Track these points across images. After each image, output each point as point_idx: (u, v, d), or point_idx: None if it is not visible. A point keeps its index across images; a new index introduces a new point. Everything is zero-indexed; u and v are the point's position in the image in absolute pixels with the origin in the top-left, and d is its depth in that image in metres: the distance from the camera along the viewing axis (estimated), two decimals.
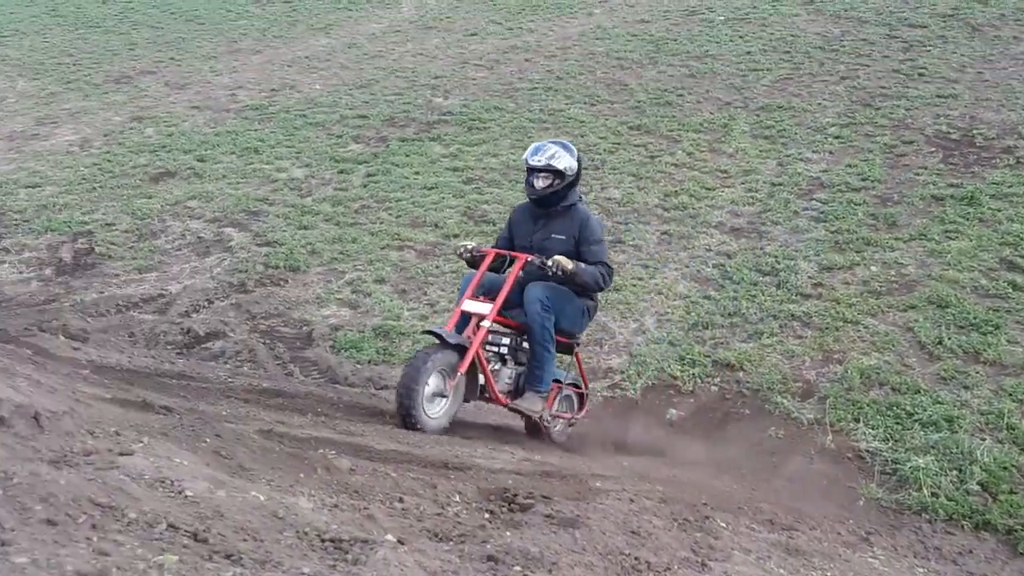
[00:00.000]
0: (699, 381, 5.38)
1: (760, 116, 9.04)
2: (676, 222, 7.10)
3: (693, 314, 5.97)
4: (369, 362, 5.77)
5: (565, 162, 4.66)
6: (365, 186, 8.30)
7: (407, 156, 8.77)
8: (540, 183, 4.66)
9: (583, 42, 11.78)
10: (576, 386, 5.04)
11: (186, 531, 1.48)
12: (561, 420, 5.00)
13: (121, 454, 1.77)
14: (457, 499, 2.36)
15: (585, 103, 9.79)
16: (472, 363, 4.32)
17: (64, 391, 2.23)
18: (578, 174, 4.78)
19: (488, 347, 4.63)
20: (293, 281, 6.82)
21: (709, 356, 5.54)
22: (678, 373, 5.41)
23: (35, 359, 2.68)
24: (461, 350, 4.30)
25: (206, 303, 6.42)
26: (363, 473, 2.39)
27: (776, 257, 6.49)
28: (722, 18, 12.23)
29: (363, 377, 5.67)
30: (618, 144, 8.65)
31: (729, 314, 5.93)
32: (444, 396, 4.22)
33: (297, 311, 6.44)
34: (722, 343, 5.66)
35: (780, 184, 7.61)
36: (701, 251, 6.68)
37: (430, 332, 4.48)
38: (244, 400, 3.55)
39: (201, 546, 1.44)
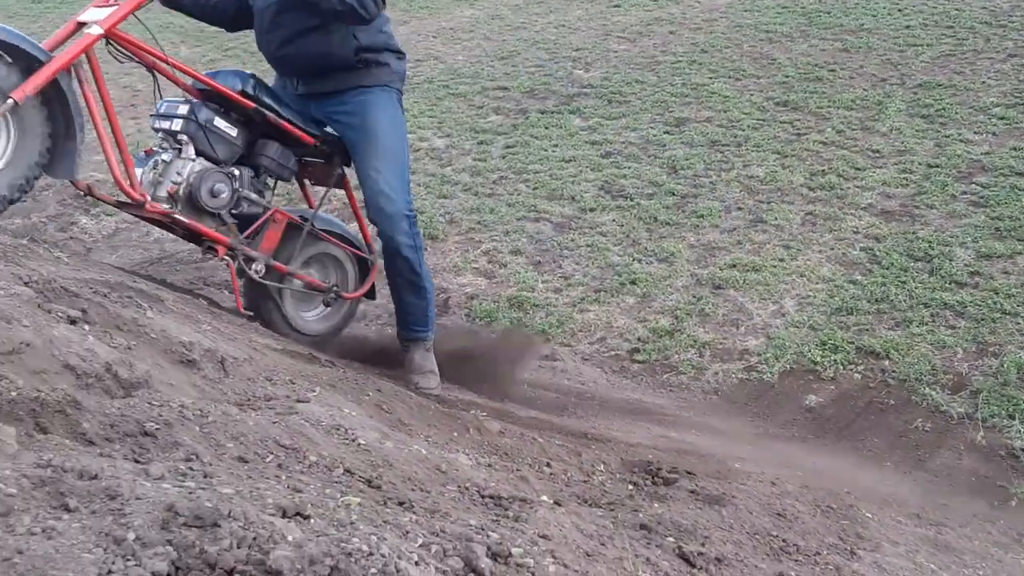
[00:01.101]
0: (841, 368, 5.21)
1: (918, 94, 8.60)
2: (822, 203, 6.87)
3: (837, 298, 5.78)
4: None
5: None
6: (504, 157, 8.39)
7: (546, 128, 8.79)
8: None
9: (730, 14, 11.47)
10: (343, 238, 3.62)
11: (361, 477, 1.58)
12: (311, 293, 3.53)
13: (298, 401, 1.90)
14: (602, 468, 2.40)
15: (730, 77, 9.56)
16: (62, 99, 2.72)
17: (242, 340, 2.39)
18: None
19: (158, 124, 3.21)
20: (432, 249, 6.99)
21: (853, 343, 5.36)
22: (819, 358, 5.26)
23: (211, 309, 2.87)
24: (29, 63, 2.67)
25: None
26: (511, 436, 2.47)
27: (930, 242, 6.19)
28: None
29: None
30: (763, 120, 8.42)
31: (876, 300, 5.71)
32: None
33: (435, 279, 6.62)
34: (867, 330, 5.47)
35: (937, 166, 7.24)
36: (848, 233, 6.45)
37: None
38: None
39: (375, 492, 1.53)
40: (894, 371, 5.05)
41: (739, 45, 10.44)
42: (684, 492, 2.28)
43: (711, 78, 9.55)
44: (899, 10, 10.91)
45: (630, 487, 2.30)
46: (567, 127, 8.76)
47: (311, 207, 3.67)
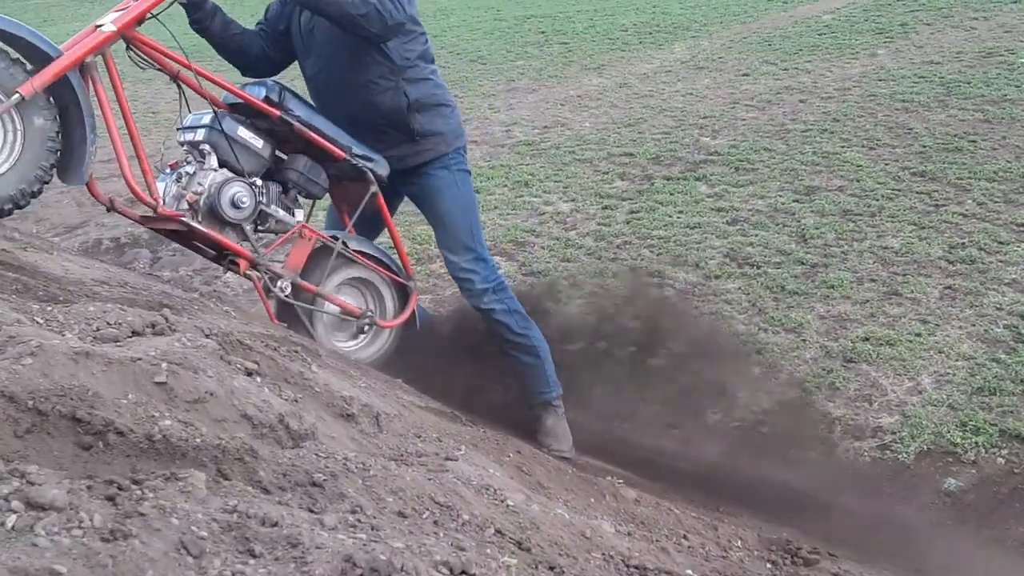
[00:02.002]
0: (983, 451, 4.95)
1: None
2: (962, 276, 6.61)
3: (978, 377, 5.52)
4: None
5: None
6: (628, 222, 8.44)
7: (671, 195, 8.81)
8: None
9: (864, 84, 11.29)
10: (380, 262, 3.42)
11: (511, 538, 1.62)
12: (344, 318, 3.31)
13: (447, 459, 1.96)
14: (739, 544, 2.37)
15: (863, 146, 9.38)
16: (73, 101, 2.59)
17: (390, 396, 2.49)
18: None
19: (183, 136, 3.07)
20: (554, 313, 7.06)
21: (996, 425, 5.09)
22: (958, 440, 5.02)
23: (359, 365, 3.00)
24: (38, 58, 2.56)
25: None
26: (647, 505, 2.47)
27: None
28: None
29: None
30: (898, 191, 8.20)
31: (1021, 380, 5.43)
32: None
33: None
34: (1012, 412, 5.19)
35: None
36: (990, 309, 6.17)
37: None
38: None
39: (526, 554, 1.58)
40: None
41: (873, 114, 10.24)
42: (826, 574, 2.22)
43: (843, 147, 9.39)
44: None
45: (769, 565, 2.26)
46: (693, 193, 8.75)
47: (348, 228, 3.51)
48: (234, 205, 2.97)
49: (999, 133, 9.19)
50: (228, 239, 2.98)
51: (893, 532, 3.89)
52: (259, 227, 3.10)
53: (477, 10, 19.53)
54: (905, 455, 4.96)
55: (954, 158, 8.70)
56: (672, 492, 3.05)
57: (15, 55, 2.57)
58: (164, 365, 1.62)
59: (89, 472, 1.37)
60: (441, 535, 1.51)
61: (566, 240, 8.32)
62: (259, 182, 3.05)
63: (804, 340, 5.91)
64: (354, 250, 3.32)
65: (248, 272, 3.05)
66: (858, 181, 8.41)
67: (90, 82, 2.70)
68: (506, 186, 9.69)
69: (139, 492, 1.28)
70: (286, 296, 3.13)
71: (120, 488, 1.28)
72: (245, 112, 3.05)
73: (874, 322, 6.06)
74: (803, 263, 6.96)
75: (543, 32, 16.36)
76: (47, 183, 2.62)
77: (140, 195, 2.82)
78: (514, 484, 2.05)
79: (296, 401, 1.87)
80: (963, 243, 7.04)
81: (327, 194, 3.44)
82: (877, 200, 7.98)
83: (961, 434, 5.05)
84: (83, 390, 1.47)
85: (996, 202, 7.72)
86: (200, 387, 1.63)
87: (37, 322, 1.74)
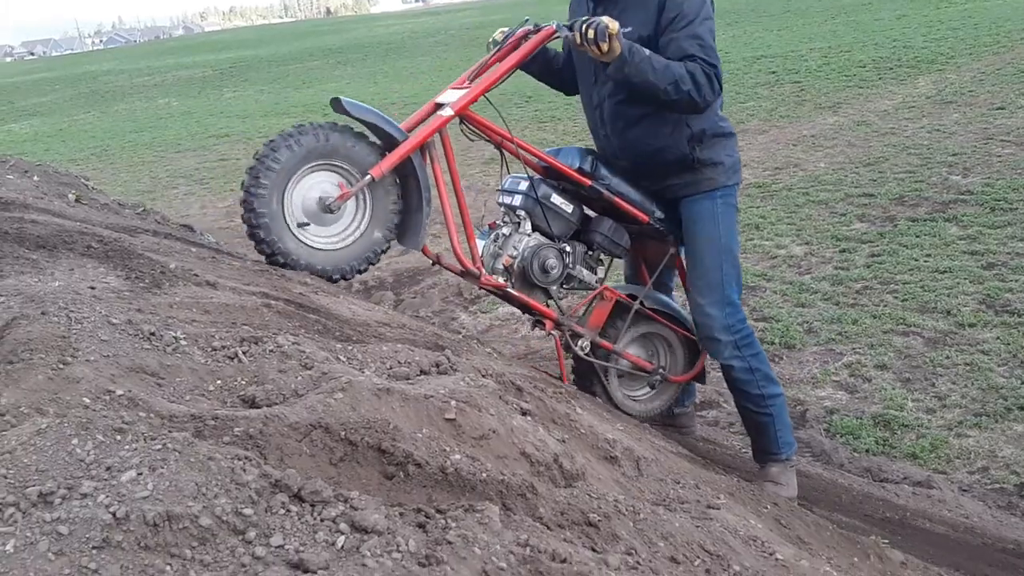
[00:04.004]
0: None
1: None
2: None
3: None
4: (867, 451, 5.53)
5: None
6: (868, 266, 8.03)
7: (917, 237, 8.31)
8: None
9: None
10: (673, 319, 3.47)
11: None
12: (636, 373, 3.40)
13: (709, 507, 1.97)
14: None
15: None
16: (412, 174, 2.79)
17: (645, 440, 2.53)
18: None
19: (501, 199, 3.24)
20: (788, 359, 6.82)
21: None
22: None
23: (611, 408, 3.07)
24: (388, 142, 2.80)
25: None
26: (915, 569, 2.34)
27: None
28: None
29: (860, 467, 5.45)
30: None
31: None
32: (333, 212, 2.76)
33: (791, 390, 6.42)
34: None
35: None
36: None
37: (334, 100, 2.86)
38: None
39: None
40: None
41: None
42: None
43: None
44: None
45: None
46: (942, 236, 8.20)
47: (644, 284, 3.60)
48: (544, 271, 3.17)
49: None
50: (537, 301, 3.19)
51: None
52: (564, 286, 3.27)
53: None
54: None
55: None
56: (935, 557, 2.86)
57: (371, 138, 2.88)
58: (453, 403, 1.75)
59: (394, 500, 1.51)
60: None
61: (800, 284, 8.02)
62: (567, 247, 3.23)
63: None
64: (650, 309, 3.43)
65: (552, 331, 3.24)
66: None
67: (427, 158, 2.98)
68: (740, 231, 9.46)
69: (444, 521, 1.39)
70: (586, 354, 3.29)
71: (427, 516, 1.40)
72: (557, 177, 3.24)
73: None
74: None
75: (774, 72, 16.02)
76: (385, 252, 2.96)
77: (466, 264, 3.06)
78: (778, 537, 2.02)
79: (563, 442, 1.95)
80: None
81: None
82: None
83: None
84: (385, 423, 1.62)
85: None
86: (484, 424, 1.75)
87: (341, 360, 1.94)
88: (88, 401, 1.49)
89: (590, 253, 3.33)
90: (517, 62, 3.09)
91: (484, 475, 1.63)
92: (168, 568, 1.16)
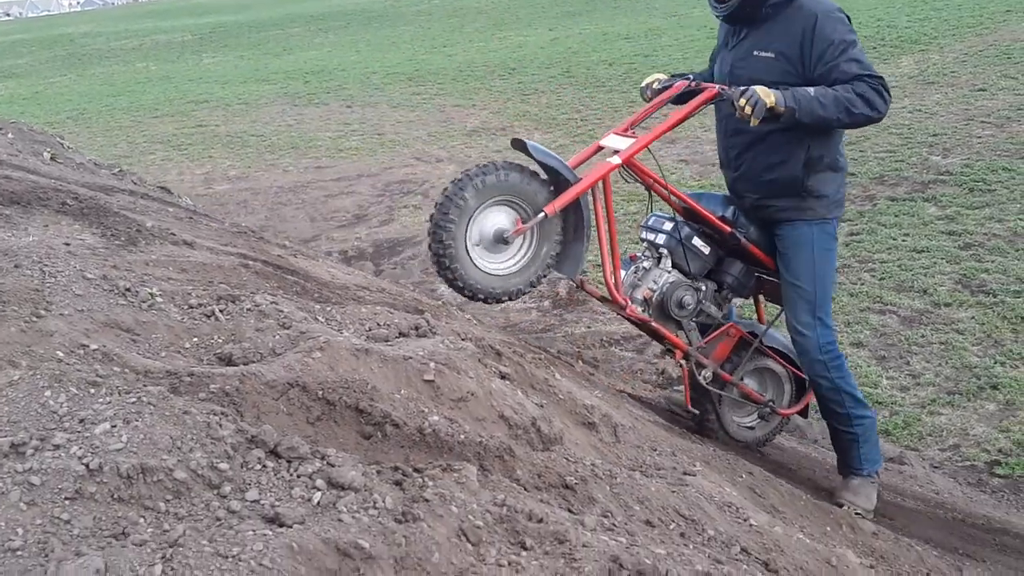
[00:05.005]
0: None
1: None
2: None
3: None
4: None
5: None
6: (847, 245, 8.07)
7: (896, 216, 8.34)
8: None
9: None
10: (786, 357, 3.68)
11: (757, 558, 1.62)
12: (748, 403, 3.66)
13: (685, 473, 1.98)
14: None
15: None
16: (576, 211, 3.02)
17: (624, 408, 2.54)
18: None
19: (645, 235, 3.48)
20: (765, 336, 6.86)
21: None
22: None
23: (588, 375, 3.08)
24: (558, 181, 3.03)
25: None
26: (886, 540, 2.37)
27: None
28: None
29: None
30: None
31: None
32: (508, 243, 2.98)
33: None
34: None
35: None
36: None
37: (516, 141, 3.09)
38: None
39: (772, 575, 1.57)
40: None
41: None
42: None
43: None
44: None
45: None
46: (920, 216, 8.25)
47: (762, 322, 3.87)
48: (680, 306, 3.40)
49: None
50: (670, 332, 3.42)
51: None
52: (694, 319, 3.50)
53: (688, 29, 19.39)
54: None
55: None
56: (905, 530, 2.89)
57: (545, 178, 3.10)
58: (432, 364, 1.75)
59: (371, 459, 1.51)
60: (691, 547, 1.53)
61: None
62: (701, 285, 3.47)
63: None
64: (767, 346, 3.66)
65: (680, 360, 3.47)
66: None
67: (591, 198, 3.18)
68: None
69: (421, 480, 1.39)
70: (707, 384, 3.51)
71: (404, 475, 1.40)
72: (698, 220, 3.46)
73: None
74: None
75: None
76: (546, 276, 3.17)
77: (615, 295, 3.24)
78: (751, 505, 2.03)
79: (542, 406, 1.95)
80: None
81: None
82: None
83: None
84: (364, 383, 1.62)
85: None
86: (463, 387, 1.74)
87: (319, 320, 1.93)
88: (61, 354, 1.47)
89: (719, 292, 3.56)
90: (680, 120, 3.26)
91: (462, 436, 1.63)
92: (142, 520, 1.15)
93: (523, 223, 2.98)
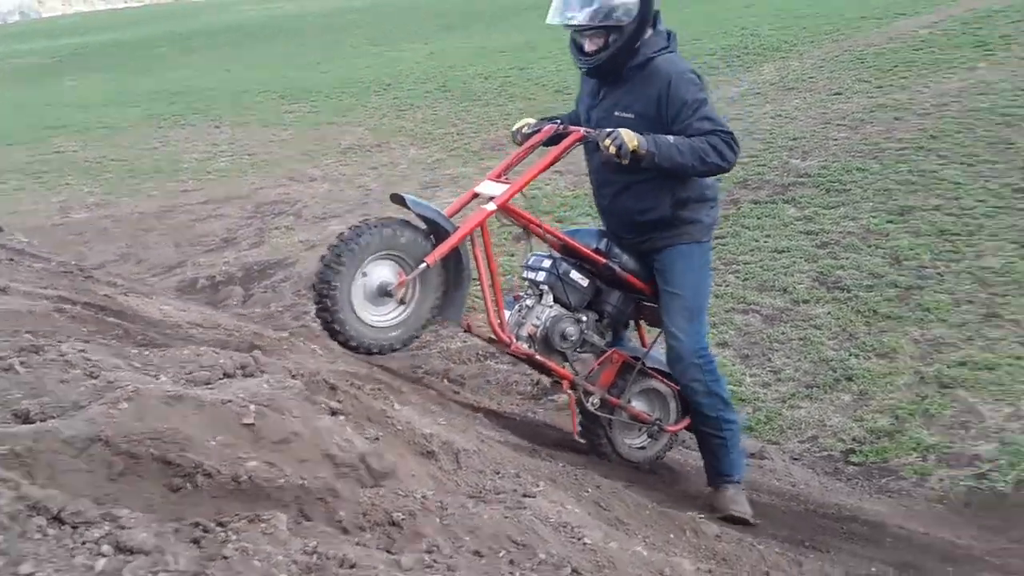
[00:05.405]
0: None
1: None
2: None
3: None
4: None
5: (616, 8, 3.19)
6: (712, 248, 8.32)
7: (758, 219, 8.65)
8: (589, 45, 3.31)
9: (963, 99, 10.89)
10: (669, 376, 3.80)
11: None
12: (637, 424, 3.81)
13: (525, 495, 1.99)
14: None
15: (962, 163, 9.05)
16: (456, 259, 3.18)
17: (471, 432, 2.53)
18: (646, 10, 3.24)
19: (526, 274, 3.63)
20: (635, 340, 7.00)
21: None
22: None
23: (440, 400, 3.06)
24: (437, 231, 3.17)
25: None
26: (729, 541, 2.43)
27: None
28: None
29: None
30: (999, 208, 7.89)
31: None
32: (392, 296, 3.11)
33: None
34: None
35: None
36: None
37: (395, 196, 3.26)
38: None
39: None
40: None
41: (972, 130, 9.88)
42: None
43: (941, 164, 9.08)
44: None
45: None
46: (781, 217, 8.57)
47: (644, 346, 4.02)
48: (563, 338, 3.55)
49: None
50: (556, 364, 3.56)
51: (990, 568, 3.72)
52: (578, 350, 3.65)
53: (562, 43, 19.64)
54: (1003, 484, 4.72)
55: None
56: (756, 526, 2.98)
57: (425, 230, 3.19)
58: (252, 407, 1.69)
59: (177, 514, 1.44)
60: (517, 574, 1.53)
61: None
62: (583, 316, 3.60)
63: (897, 365, 5.72)
64: (650, 368, 3.82)
65: (568, 390, 3.60)
66: (956, 199, 8.12)
67: (469, 245, 3.32)
68: (590, 215, 9.64)
69: (224, 534, 1.34)
70: (596, 410, 3.67)
71: (206, 531, 1.34)
72: (575, 255, 3.62)
73: (972, 345, 5.82)
74: (897, 286, 6.75)
75: None
76: (431, 323, 3.32)
77: (500, 335, 3.38)
78: (592, 520, 2.05)
79: (378, 439, 1.92)
80: None
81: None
82: (976, 219, 7.68)
83: None
84: (175, 433, 1.55)
85: None
86: (286, 428, 1.70)
87: (135, 366, 1.85)
88: None
89: (600, 321, 3.71)
90: (551, 163, 3.46)
91: (282, 481, 1.58)
92: None
93: (406, 275, 3.09)
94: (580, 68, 3.47)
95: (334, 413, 1.90)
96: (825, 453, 5.11)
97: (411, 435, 2.06)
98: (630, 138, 3.10)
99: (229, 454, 1.57)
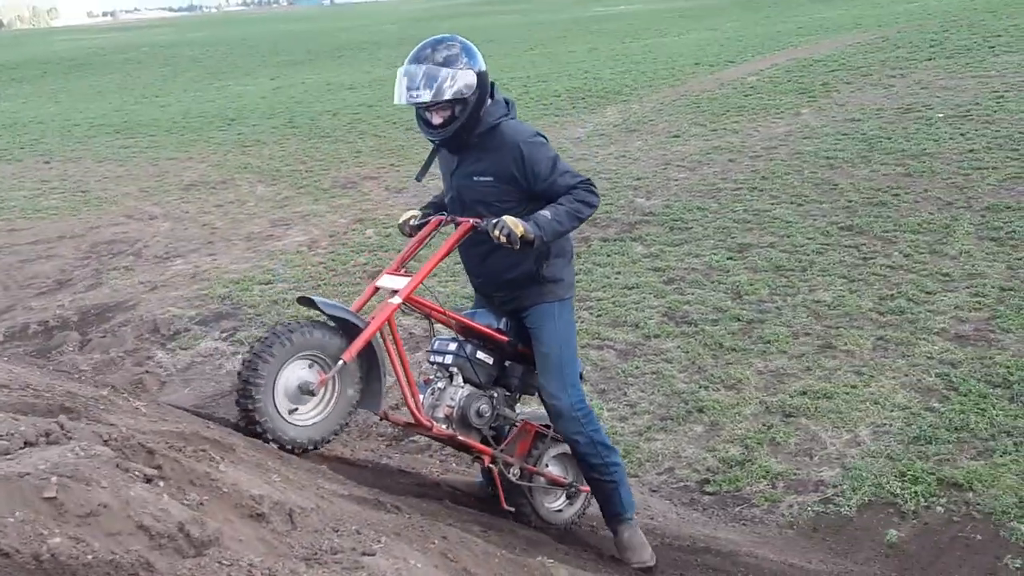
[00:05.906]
0: (922, 500, 4.97)
1: (986, 217, 8.50)
2: (893, 327, 6.73)
3: (914, 426, 5.57)
4: None
5: (457, 81, 3.36)
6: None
7: (608, 256, 8.87)
8: (436, 118, 3.45)
9: (789, 142, 11.63)
10: None
11: None
12: (555, 488, 4.00)
13: (363, 554, 1.89)
14: None
15: (792, 203, 9.61)
16: (370, 352, 3.33)
17: (310, 487, 2.40)
18: (484, 82, 3.43)
19: (433, 358, 3.77)
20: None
21: (933, 473, 5.12)
22: (898, 490, 5.03)
23: (280, 454, 2.91)
24: (348, 327, 3.32)
25: None
26: None
27: (1008, 368, 5.98)
28: (941, 115, 11.74)
29: None
30: (827, 245, 8.39)
31: (955, 428, 5.49)
32: (313, 394, 3.24)
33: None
34: (948, 460, 5.23)
35: (1011, 289, 7.07)
36: (922, 359, 6.27)
37: (303, 299, 3.40)
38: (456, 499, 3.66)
39: None
40: (979, 504, 4.79)
41: (800, 171, 10.53)
42: None
43: (773, 204, 9.61)
44: (961, 135, 10.96)
45: None
46: (629, 254, 8.83)
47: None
48: (479, 415, 3.70)
49: (921, 186, 9.50)
50: (474, 441, 3.72)
51: None
52: (492, 425, 3.79)
53: None
54: (847, 508, 4.94)
55: (879, 212, 8.96)
56: (606, 563, 2.98)
57: (338, 329, 3.35)
58: (54, 479, 1.53)
59: None
60: None
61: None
62: (494, 392, 3.77)
63: (744, 396, 5.93)
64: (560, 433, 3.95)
65: (489, 464, 3.77)
66: (788, 237, 8.59)
67: (380, 337, 3.47)
68: None
69: None
70: (518, 480, 3.85)
71: None
72: (477, 336, 3.77)
73: (811, 375, 6.11)
74: (739, 319, 7.02)
75: None
76: (352, 415, 3.43)
77: (420, 419, 3.51)
78: (438, 573, 1.97)
79: (201, 505, 1.78)
80: (892, 294, 7.18)
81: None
82: (807, 255, 8.14)
83: (900, 484, 5.05)
84: None
85: (921, 253, 7.93)
86: (93, 500, 1.54)
87: None
88: None
89: (509, 394, 3.88)
90: (446, 254, 3.60)
91: (90, 557, 1.43)
92: None
93: (324, 373, 3.24)
94: (431, 141, 3.61)
95: (149, 480, 1.75)
96: (682, 484, 5.20)
97: (239, 497, 1.92)
98: (515, 225, 3.29)
99: (29, 531, 1.41)
